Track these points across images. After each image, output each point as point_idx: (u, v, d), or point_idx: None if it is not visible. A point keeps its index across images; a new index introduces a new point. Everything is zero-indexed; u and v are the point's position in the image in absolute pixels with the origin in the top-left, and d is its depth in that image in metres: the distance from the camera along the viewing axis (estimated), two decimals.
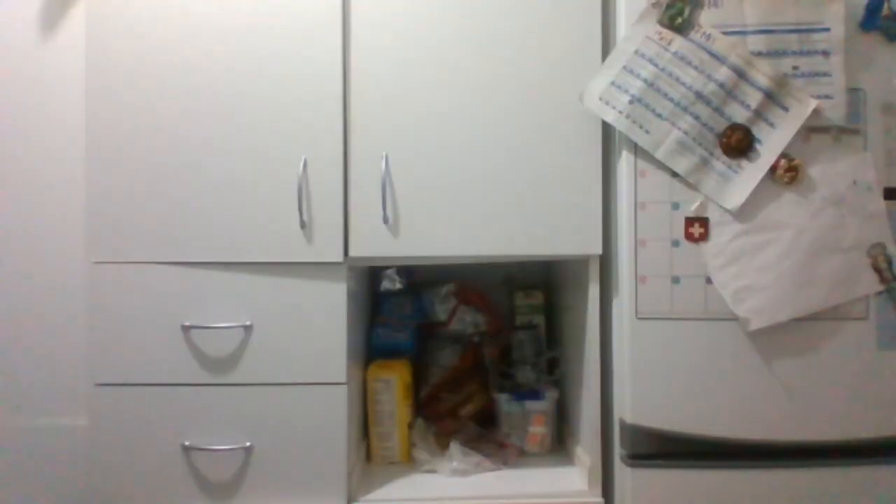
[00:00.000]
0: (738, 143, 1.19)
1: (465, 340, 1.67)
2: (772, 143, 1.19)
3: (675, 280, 1.21)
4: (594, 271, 1.33)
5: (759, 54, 1.19)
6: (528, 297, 1.72)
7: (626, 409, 1.23)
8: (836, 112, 1.19)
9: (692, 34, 1.20)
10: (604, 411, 1.32)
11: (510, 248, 1.30)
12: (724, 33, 1.20)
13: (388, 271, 1.71)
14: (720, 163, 1.20)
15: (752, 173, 1.19)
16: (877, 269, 1.19)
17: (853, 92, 1.20)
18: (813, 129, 1.19)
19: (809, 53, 1.19)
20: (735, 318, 1.20)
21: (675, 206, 1.22)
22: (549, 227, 1.30)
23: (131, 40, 1.27)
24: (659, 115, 1.21)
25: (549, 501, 1.31)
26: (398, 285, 1.71)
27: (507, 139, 1.30)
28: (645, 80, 1.21)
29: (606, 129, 1.30)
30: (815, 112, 1.18)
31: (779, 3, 1.20)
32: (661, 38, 1.21)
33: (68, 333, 1.62)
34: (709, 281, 1.21)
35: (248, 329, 1.28)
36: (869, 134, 1.20)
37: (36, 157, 1.64)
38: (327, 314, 1.28)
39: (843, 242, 1.19)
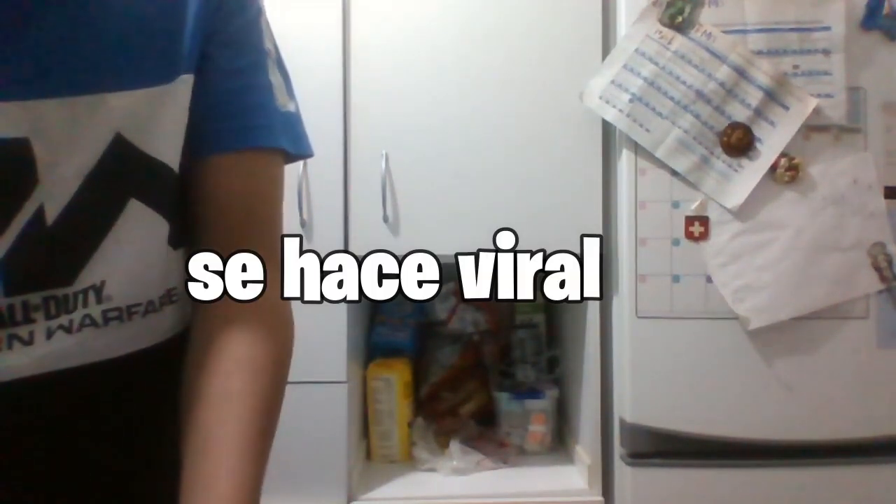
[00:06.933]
0: (739, 142, 1.19)
1: (465, 339, 1.67)
2: (772, 141, 1.19)
3: (676, 279, 1.21)
4: None
5: (760, 53, 1.19)
6: None
7: (626, 408, 1.23)
8: (836, 111, 1.19)
9: (692, 33, 1.20)
10: (604, 410, 1.32)
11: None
12: (725, 32, 1.19)
13: None
14: (720, 161, 1.20)
15: (752, 172, 1.19)
16: (877, 268, 1.19)
17: (853, 91, 1.19)
18: (813, 127, 1.19)
19: (810, 52, 1.19)
20: (735, 317, 1.20)
21: (676, 204, 1.22)
22: (549, 225, 1.30)
23: None
24: (659, 114, 1.20)
25: (549, 500, 1.31)
26: None
27: (507, 138, 1.30)
28: (645, 79, 1.21)
29: (606, 127, 1.30)
30: (816, 111, 1.18)
31: (779, 1, 1.19)
32: (662, 37, 1.21)
33: None
34: (709, 280, 1.21)
35: None
36: (869, 133, 1.20)
37: None
38: (327, 313, 1.28)
39: (843, 241, 1.19)
